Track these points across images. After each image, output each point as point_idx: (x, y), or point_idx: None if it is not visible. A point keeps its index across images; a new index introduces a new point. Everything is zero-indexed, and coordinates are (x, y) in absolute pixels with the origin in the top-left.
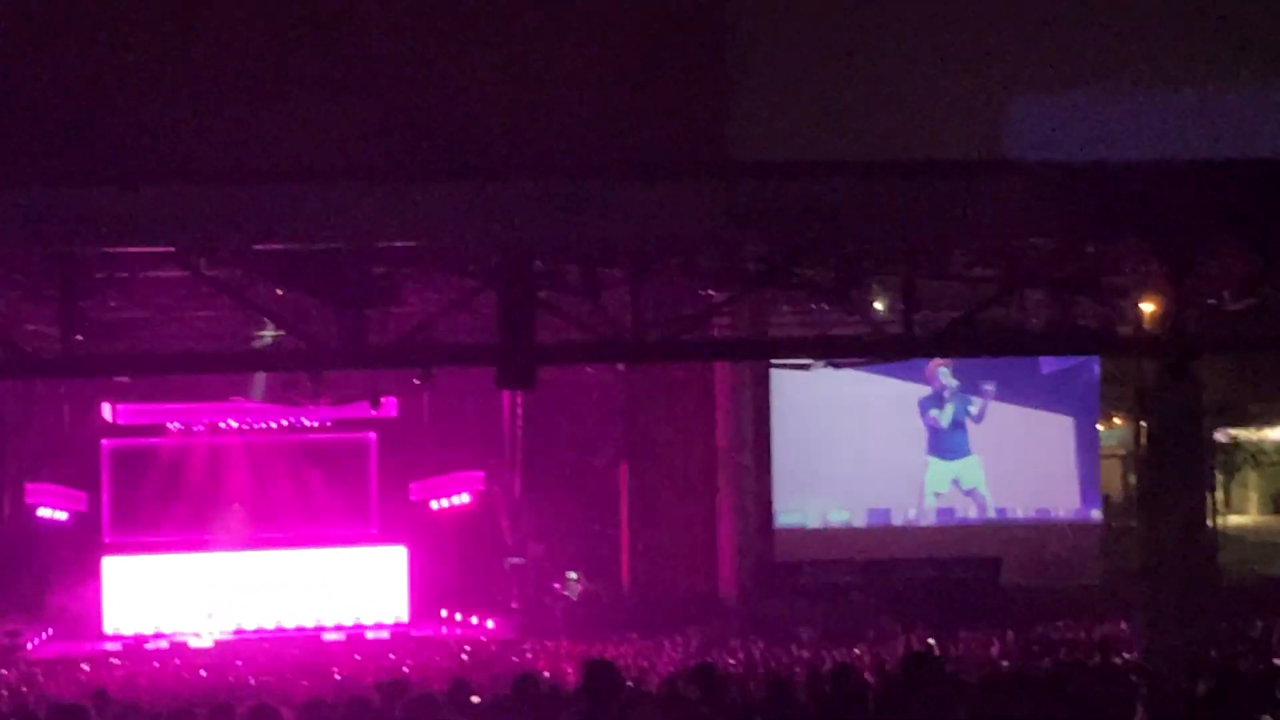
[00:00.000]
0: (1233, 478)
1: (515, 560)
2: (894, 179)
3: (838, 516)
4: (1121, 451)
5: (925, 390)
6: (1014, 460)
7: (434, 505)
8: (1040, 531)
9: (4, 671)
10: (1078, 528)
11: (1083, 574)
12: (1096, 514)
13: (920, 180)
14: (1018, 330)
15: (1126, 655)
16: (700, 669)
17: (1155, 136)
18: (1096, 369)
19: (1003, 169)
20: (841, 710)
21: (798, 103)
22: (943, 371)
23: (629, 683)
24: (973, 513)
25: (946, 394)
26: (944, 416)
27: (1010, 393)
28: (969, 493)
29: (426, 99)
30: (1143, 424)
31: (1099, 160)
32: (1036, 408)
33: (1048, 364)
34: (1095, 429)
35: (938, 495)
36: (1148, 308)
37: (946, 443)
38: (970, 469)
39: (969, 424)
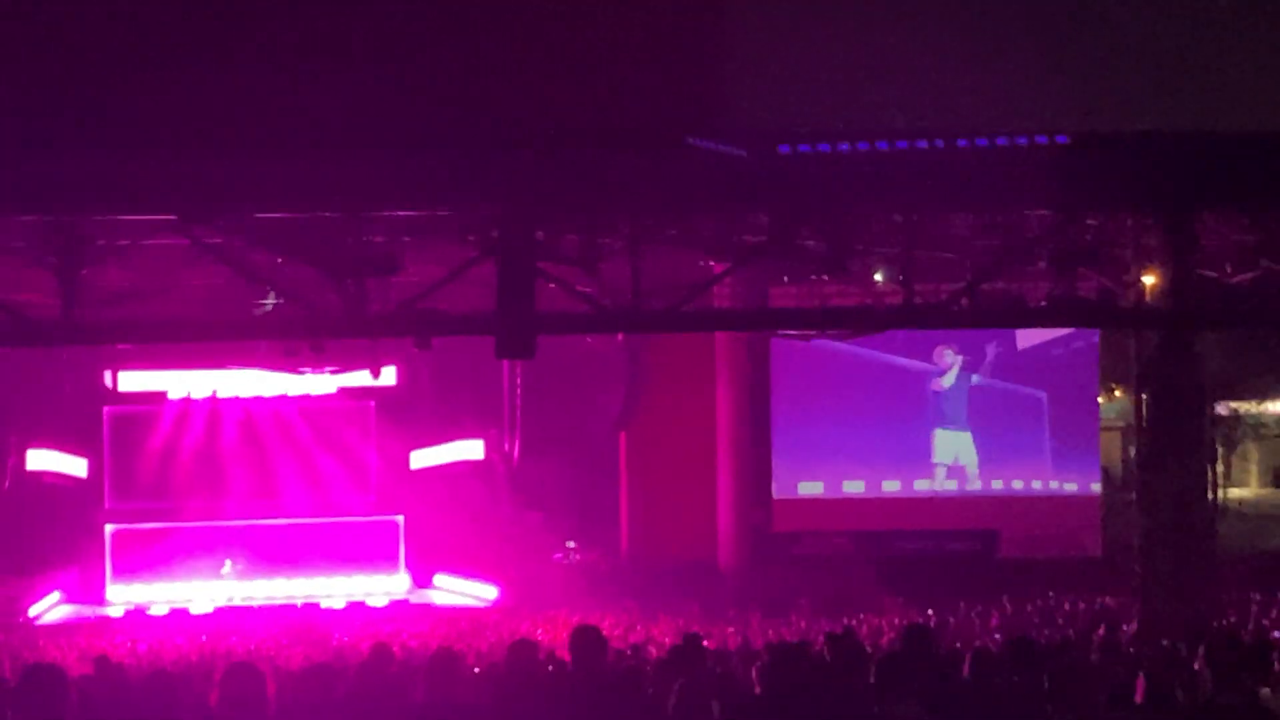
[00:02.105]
0: (1233, 450)
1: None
2: (894, 150)
3: (835, 487)
4: (1121, 424)
5: (923, 364)
6: (1011, 433)
7: (433, 473)
8: (1038, 504)
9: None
10: (1076, 500)
11: (1082, 547)
12: (1096, 487)
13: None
14: (1018, 302)
15: (1126, 627)
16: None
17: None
18: (1096, 341)
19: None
20: (843, 677)
21: (798, 75)
22: (947, 352)
23: (627, 652)
24: (972, 485)
25: (949, 365)
26: (946, 380)
27: (1008, 366)
28: (966, 465)
29: (430, 70)
30: (1143, 397)
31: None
32: (1035, 382)
33: (1044, 336)
34: (1095, 402)
35: (944, 466)
36: (1149, 280)
37: (949, 412)
38: (968, 441)
39: (968, 395)
